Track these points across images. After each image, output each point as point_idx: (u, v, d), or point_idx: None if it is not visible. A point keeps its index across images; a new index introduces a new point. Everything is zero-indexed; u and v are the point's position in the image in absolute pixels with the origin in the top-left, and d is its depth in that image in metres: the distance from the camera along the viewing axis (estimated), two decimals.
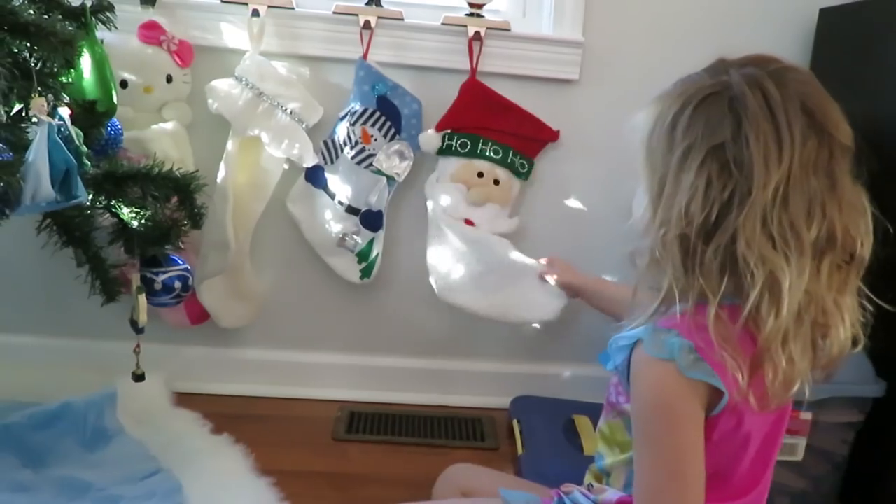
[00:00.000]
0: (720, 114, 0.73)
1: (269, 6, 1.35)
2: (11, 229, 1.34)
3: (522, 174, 1.47)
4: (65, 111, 0.91)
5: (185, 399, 1.47)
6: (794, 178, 0.71)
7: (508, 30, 1.41)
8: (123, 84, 1.28)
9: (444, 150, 1.44)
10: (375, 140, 1.40)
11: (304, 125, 1.40)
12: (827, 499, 1.32)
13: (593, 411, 1.47)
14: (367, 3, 1.39)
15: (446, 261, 1.46)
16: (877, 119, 1.25)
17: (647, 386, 0.76)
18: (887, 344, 1.24)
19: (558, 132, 1.46)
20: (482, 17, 1.41)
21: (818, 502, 1.31)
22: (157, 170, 1.05)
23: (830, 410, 1.25)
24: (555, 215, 1.56)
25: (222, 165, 1.38)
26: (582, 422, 1.44)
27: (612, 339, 0.82)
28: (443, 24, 1.40)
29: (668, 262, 0.74)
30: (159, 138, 1.29)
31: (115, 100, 1.08)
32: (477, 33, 1.39)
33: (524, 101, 1.44)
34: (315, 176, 1.45)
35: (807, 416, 1.25)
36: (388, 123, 1.41)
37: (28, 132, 0.87)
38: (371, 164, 1.41)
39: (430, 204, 1.46)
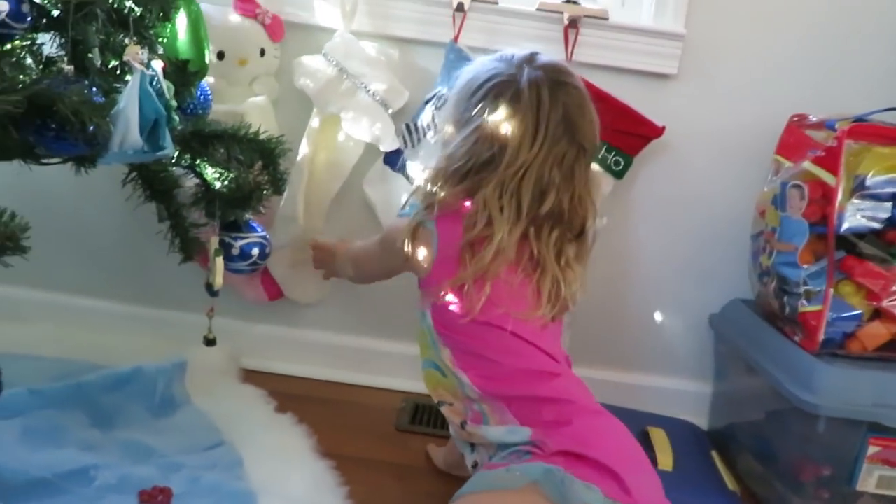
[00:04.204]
0: (503, 98, 0.96)
1: None
2: (97, 195, 1.39)
3: (616, 171, 1.40)
4: (158, 64, 0.91)
5: (252, 376, 1.47)
6: (536, 164, 0.94)
7: (606, 19, 1.36)
8: (220, 55, 1.29)
9: None
10: None
11: (387, 108, 1.38)
12: None
13: (668, 424, 1.42)
14: None
15: None
16: None
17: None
18: None
19: (663, 128, 1.38)
20: (579, 4, 1.36)
21: None
22: (243, 132, 1.04)
23: None
24: (641, 217, 1.49)
25: (304, 141, 1.38)
26: (657, 435, 1.36)
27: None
28: (538, 9, 1.36)
29: (434, 182, 1.00)
30: (254, 111, 1.30)
31: (207, 61, 1.09)
32: (573, 21, 1.35)
33: (616, 94, 1.38)
34: (394, 159, 1.43)
35: None
36: None
37: (119, 86, 0.88)
38: None
39: None
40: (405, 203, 1.08)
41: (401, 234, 1.02)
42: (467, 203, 0.99)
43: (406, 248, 1.01)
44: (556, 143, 0.96)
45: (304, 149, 1.38)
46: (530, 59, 1.00)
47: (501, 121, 0.95)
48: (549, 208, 0.96)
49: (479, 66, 1.03)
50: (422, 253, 1.01)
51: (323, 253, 1.32)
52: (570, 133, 0.97)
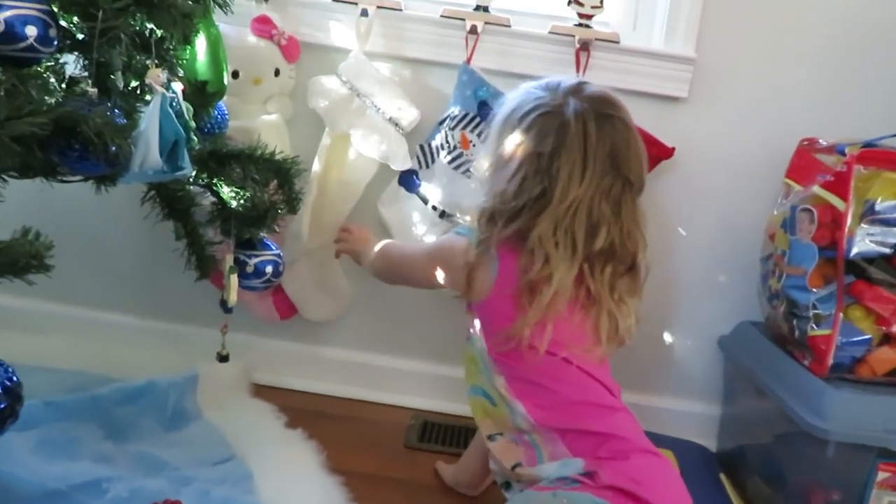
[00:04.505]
0: (549, 130, 0.94)
1: (378, 7, 1.36)
2: (116, 212, 1.42)
3: None
4: (178, 86, 0.93)
5: (263, 391, 1.48)
6: (586, 199, 0.93)
7: (617, 42, 1.38)
8: (235, 74, 1.31)
9: None
10: (474, 146, 1.38)
11: (397, 127, 1.40)
12: None
13: (677, 446, 1.42)
14: (474, 9, 1.38)
15: None
16: None
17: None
18: None
19: (673, 149, 1.39)
20: (590, 27, 1.37)
21: None
22: (259, 152, 1.06)
23: None
24: (650, 238, 1.49)
25: (315, 159, 1.40)
26: (665, 456, 1.36)
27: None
28: (550, 32, 1.38)
29: (484, 221, 0.99)
30: (266, 129, 1.32)
31: (225, 82, 1.11)
32: (585, 44, 1.36)
33: None
34: (408, 180, 1.44)
35: None
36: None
37: (140, 107, 0.90)
38: (468, 171, 1.39)
39: None
40: (454, 227, 1.08)
41: (459, 256, 1.01)
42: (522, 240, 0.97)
43: (463, 274, 1.00)
44: (603, 177, 0.95)
45: (315, 167, 1.40)
46: (577, 89, 0.99)
47: (550, 156, 0.94)
48: (602, 244, 0.95)
49: (524, 95, 1.01)
50: (480, 281, 0.99)
51: (357, 233, 1.31)
52: (616, 167, 0.96)
